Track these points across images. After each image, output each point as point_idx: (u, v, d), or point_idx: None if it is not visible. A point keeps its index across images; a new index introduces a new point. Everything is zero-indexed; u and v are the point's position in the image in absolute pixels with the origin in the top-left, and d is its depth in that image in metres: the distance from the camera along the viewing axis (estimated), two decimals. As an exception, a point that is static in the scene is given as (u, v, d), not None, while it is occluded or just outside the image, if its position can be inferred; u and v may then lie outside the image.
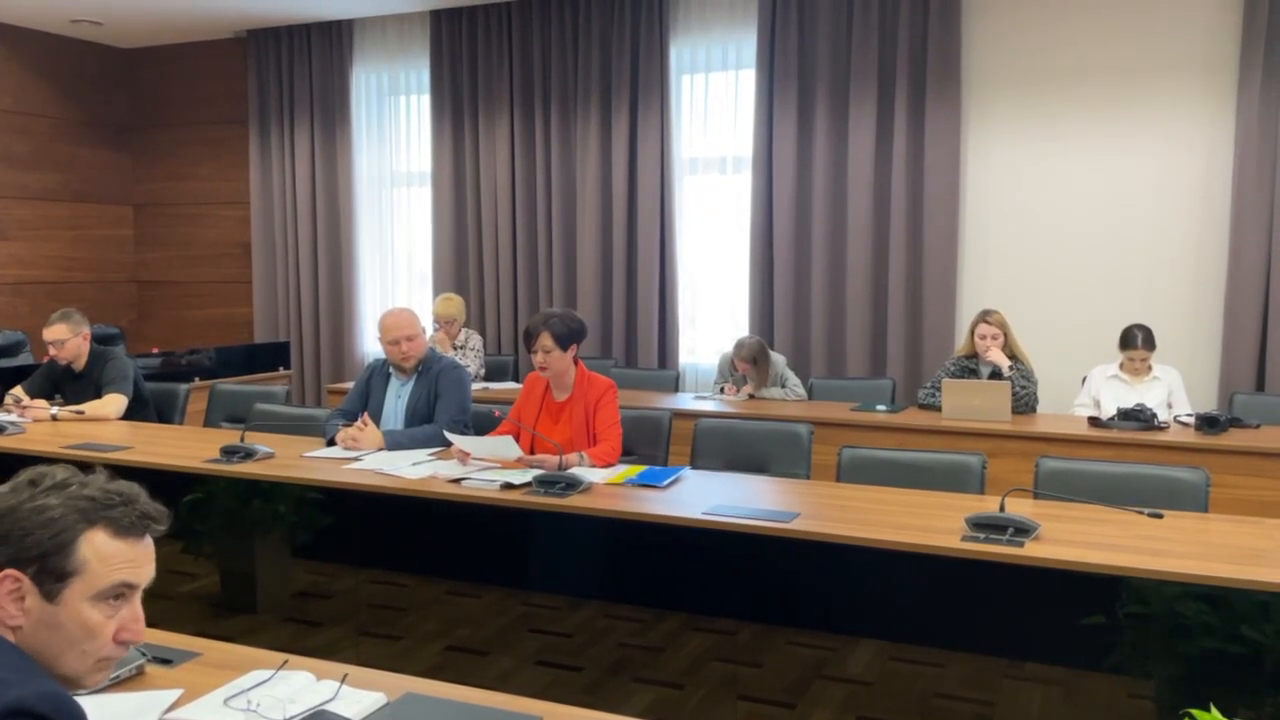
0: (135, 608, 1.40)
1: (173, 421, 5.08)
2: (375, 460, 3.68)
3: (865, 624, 2.80)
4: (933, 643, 2.72)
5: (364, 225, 7.73)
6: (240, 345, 7.51)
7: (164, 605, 3.63)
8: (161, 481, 3.62)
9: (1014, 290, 5.97)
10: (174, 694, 1.82)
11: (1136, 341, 4.81)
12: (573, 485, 3.21)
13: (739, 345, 5.39)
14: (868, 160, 6.14)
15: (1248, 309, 5.48)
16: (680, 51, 6.68)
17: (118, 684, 1.86)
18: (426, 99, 7.36)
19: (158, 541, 1.45)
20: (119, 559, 1.36)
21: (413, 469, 3.53)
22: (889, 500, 3.12)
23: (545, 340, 3.75)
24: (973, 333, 5.01)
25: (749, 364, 5.33)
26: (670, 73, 6.59)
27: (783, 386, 5.38)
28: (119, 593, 1.37)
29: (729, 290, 6.69)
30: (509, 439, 3.56)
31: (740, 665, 2.89)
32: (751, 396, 5.35)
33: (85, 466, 1.46)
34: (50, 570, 1.32)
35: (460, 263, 7.33)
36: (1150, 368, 4.88)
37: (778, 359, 5.48)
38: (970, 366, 5.03)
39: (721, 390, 5.52)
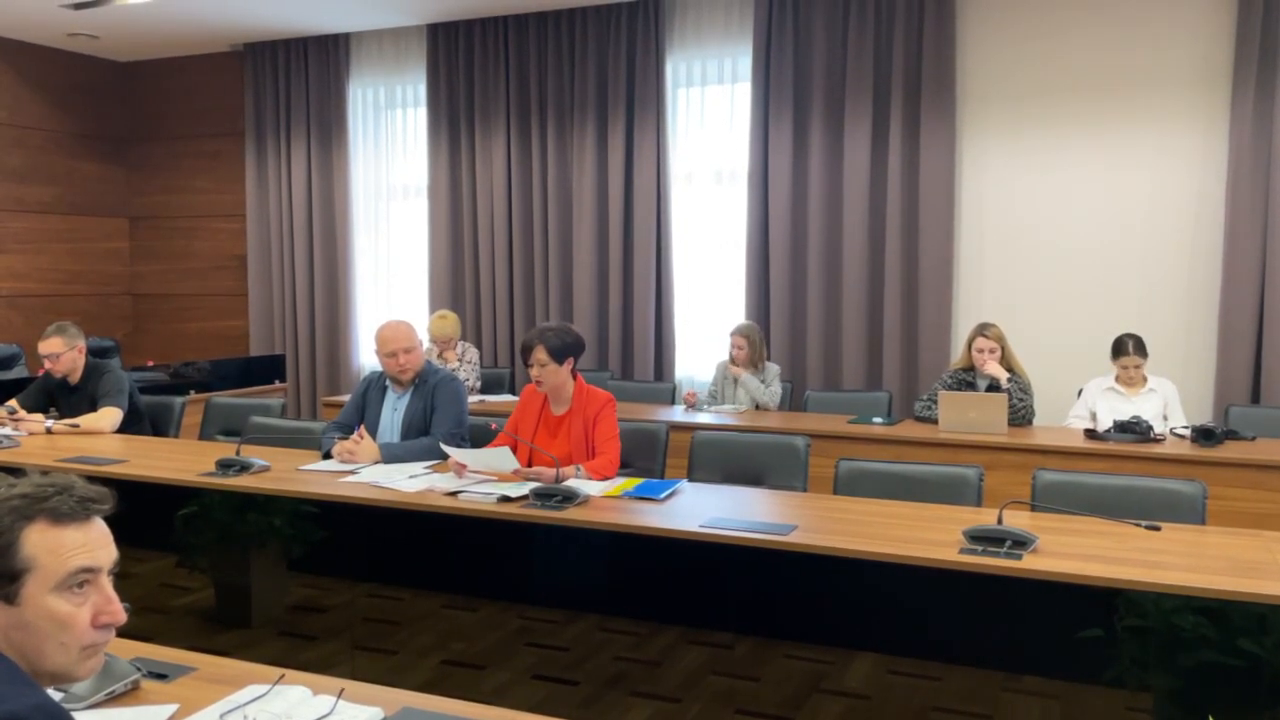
0: (105, 590, 1.38)
1: (168, 434, 5.06)
2: (371, 473, 3.67)
3: (863, 637, 2.80)
4: (931, 656, 2.71)
5: (360, 238, 7.73)
6: (236, 358, 7.50)
7: (159, 619, 3.61)
8: (157, 495, 3.63)
9: (1009, 303, 5.98)
10: (169, 709, 1.80)
11: (1128, 348, 4.82)
12: (569, 498, 3.20)
13: (739, 325, 5.67)
14: (863, 173, 6.16)
15: (1242, 321, 5.49)
16: (676, 65, 6.71)
17: (113, 699, 1.85)
18: (423, 112, 7.38)
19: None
20: (69, 546, 1.34)
21: (409, 482, 3.53)
22: (886, 513, 3.12)
23: (540, 354, 3.75)
24: (970, 346, 5.01)
25: (744, 338, 5.54)
26: (666, 86, 6.62)
27: (766, 386, 5.50)
28: (80, 580, 1.35)
29: (725, 302, 6.70)
30: (505, 450, 3.55)
31: (738, 679, 2.88)
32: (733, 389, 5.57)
33: (15, 470, 1.44)
34: (0, 574, 1.31)
35: (456, 275, 7.33)
36: (1145, 378, 4.88)
37: (773, 367, 5.62)
38: (967, 379, 5.03)
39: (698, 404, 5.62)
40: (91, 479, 1.43)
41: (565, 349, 3.78)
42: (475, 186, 7.20)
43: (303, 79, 7.70)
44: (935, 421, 4.83)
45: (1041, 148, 5.95)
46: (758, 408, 5.48)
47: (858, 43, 6.12)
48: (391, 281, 7.77)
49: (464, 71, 7.15)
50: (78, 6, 6.71)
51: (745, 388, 5.49)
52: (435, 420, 4.01)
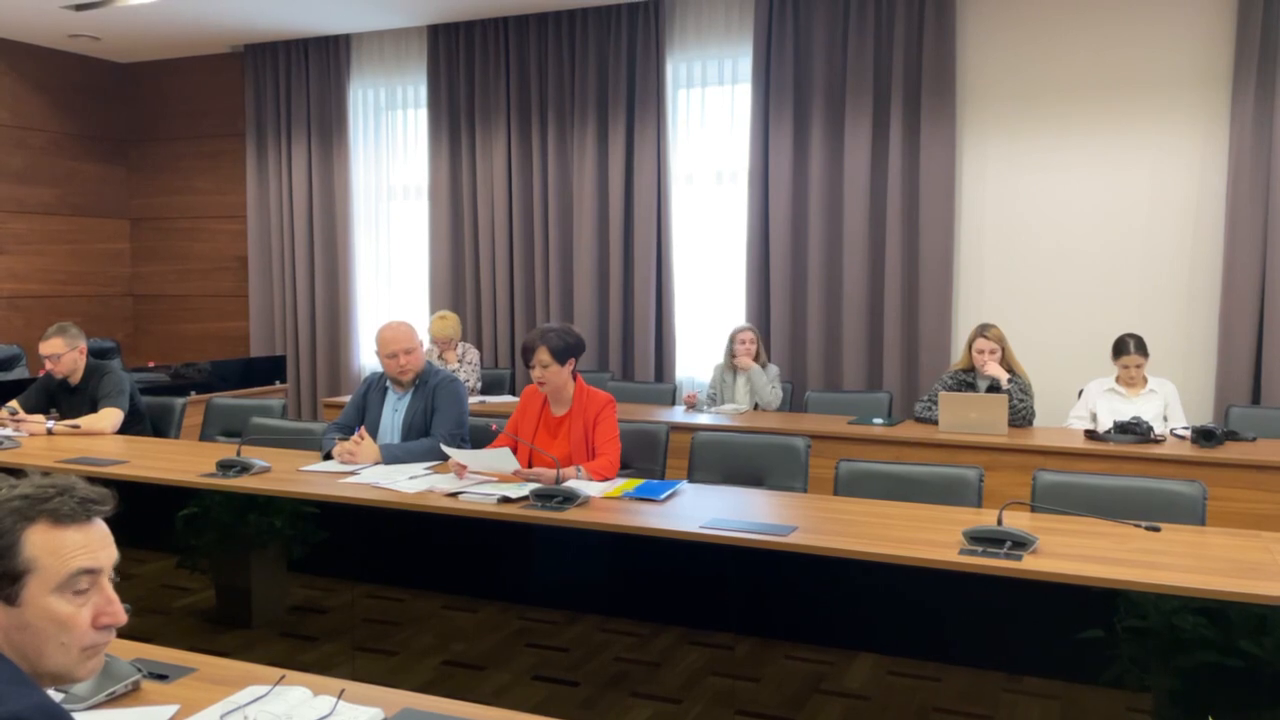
0: (106, 591, 1.39)
1: (169, 435, 5.06)
2: (372, 474, 3.67)
3: (863, 638, 2.80)
4: (930, 657, 2.72)
5: (361, 239, 7.74)
6: (236, 359, 7.51)
7: (159, 620, 3.62)
8: (157, 496, 3.64)
9: (1009, 303, 5.99)
10: (170, 710, 1.81)
11: (1129, 348, 4.82)
12: (570, 499, 3.20)
13: (744, 325, 5.73)
14: (863, 174, 6.16)
15: (1242, 321, 5.49)
16: (676, 66, 6.71)
17: (113, 700, 1.85)
18: (424, 113, 7.38)
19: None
20: (70, 548, 1.35)
21: (409, 483, 3.53)
22: (886, 514, 3.12)
23: (543, 355, 3.75)
24: (970, 347, 5.01)
25: (752, 334, 5.61)
26: (666, 87, 6.62)
27: (771, 386, 5.53)
28: (81, 581, 1.36)
29: (725, 303, 6.70)
30: (506, 451, 3.55)
31: (738, 680, 2.88)
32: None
33: (16, 471, 1.45)
34: (1, 575, 1.32)
35: (457, 276, 7.34)
36: (1146, 379, 4.88)
37: (773, 368, 5.65)
38: (967, 380, 5.03)
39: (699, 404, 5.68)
40: (92, 480, 1.44)
41: (567, 350, 3.78)
42: (476, 187, 7.20)
43: (303, 80, 7.71)
44: (935, 422, 4.83)
45: (1041, 148, 5.95)
46: (757, 407, 5.50)
47: (858, 43, 6.12)
48: (392, 282, 7.77)
49: (464, 72, 7.15)
50: (79, 8, 6.71)
51: (753, 382, 5.50)
52: (436, 421, 4.01)
